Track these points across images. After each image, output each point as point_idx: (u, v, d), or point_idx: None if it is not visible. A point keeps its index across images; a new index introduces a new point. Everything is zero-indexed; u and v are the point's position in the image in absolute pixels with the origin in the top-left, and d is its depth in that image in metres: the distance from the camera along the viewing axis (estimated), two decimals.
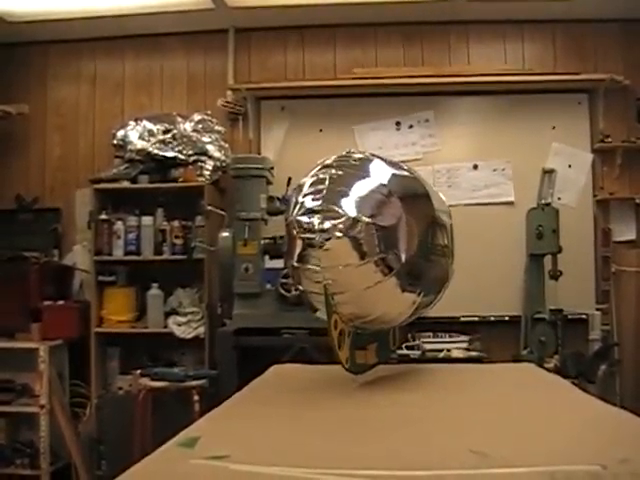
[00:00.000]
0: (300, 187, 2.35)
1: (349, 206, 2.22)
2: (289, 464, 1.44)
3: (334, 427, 1.79)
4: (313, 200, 2.26)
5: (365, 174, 2.32)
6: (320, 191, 2.26)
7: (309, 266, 2.27)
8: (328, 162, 2.38)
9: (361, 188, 2.27)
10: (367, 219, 2.21)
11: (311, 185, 2.31)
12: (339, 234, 2.20)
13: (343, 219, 2.20)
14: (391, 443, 1.67)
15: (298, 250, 2.28)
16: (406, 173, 2.50)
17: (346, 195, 2.24)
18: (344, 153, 2.43)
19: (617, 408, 2.04)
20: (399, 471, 1.40)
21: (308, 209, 2.26)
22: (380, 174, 2.34)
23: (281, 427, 1.83)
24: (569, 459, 1.44)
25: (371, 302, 2.35)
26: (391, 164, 2.45)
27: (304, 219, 2.25)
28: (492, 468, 1.39)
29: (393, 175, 2.37)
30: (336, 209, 2.22)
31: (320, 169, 2.35)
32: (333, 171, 2.31)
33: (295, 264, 2.32)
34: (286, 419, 1.89)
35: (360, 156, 2.43)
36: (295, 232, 2.27)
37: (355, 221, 2.20)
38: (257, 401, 2.20)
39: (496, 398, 2.19)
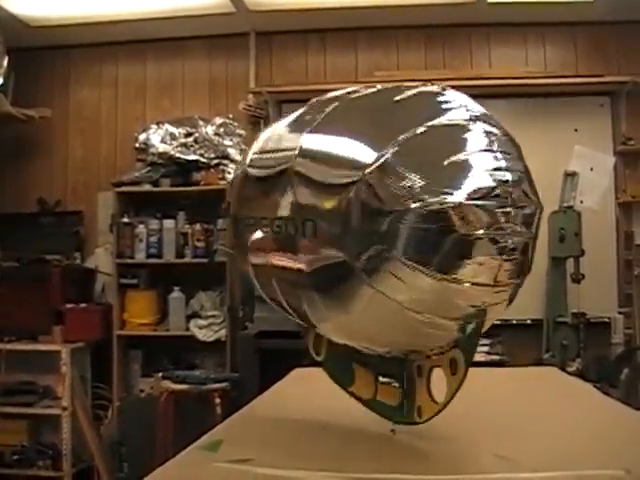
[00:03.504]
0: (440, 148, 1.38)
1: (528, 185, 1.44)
2: (313, 468, 1.44)
3: (356, 430, 1.79)
4: (498, 169, 1.37)
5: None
6: (505, 155, 1.41)
7: (471, 281, 1.36)
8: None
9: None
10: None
11: (474, 140, 1.40)
12: (530, 233, 1.43)
13: (533, 207, 1.43)
14: (414, 447, 1.66)
15: (449, 256, 1.33)
16: None
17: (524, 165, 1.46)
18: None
19: None
20: (423, 475, 1.40)
21: (489, 189, 1.34)
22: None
23: (304, 431, 1.83)
24: (593, 463, 1.43)
25: None
26: None
27: (490, 204, 1.33)
28: (516, 472, 1.39)
29: None
30: (526, 190, 1.41)
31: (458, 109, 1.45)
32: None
33: (444, 276, 1.33)
34: (309, 423, 1.89)
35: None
36: (460, 225, 1.30)
37: (539, 210, 1.45)
38: (279, 405, 2.20)
39: (519, 402, 2.18)
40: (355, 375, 1.83)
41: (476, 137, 1.40)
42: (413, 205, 1.30)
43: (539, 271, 5.91)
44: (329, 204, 1.44)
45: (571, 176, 5.92)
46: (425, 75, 6.08)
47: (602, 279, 5.93)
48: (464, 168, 1.34)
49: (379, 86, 1.62)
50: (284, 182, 1.57)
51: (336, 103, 1.61)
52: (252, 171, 1.79)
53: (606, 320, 5.80)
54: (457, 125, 1.41)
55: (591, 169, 6.03)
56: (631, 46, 6.17)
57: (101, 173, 6.53)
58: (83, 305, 5.94)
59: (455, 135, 1.40)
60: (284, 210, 1.57)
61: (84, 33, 6.34)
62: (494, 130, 1.45)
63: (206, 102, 6.51)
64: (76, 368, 5.64)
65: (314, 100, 1.75)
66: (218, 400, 4.94)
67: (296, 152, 1.54)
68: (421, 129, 1.37)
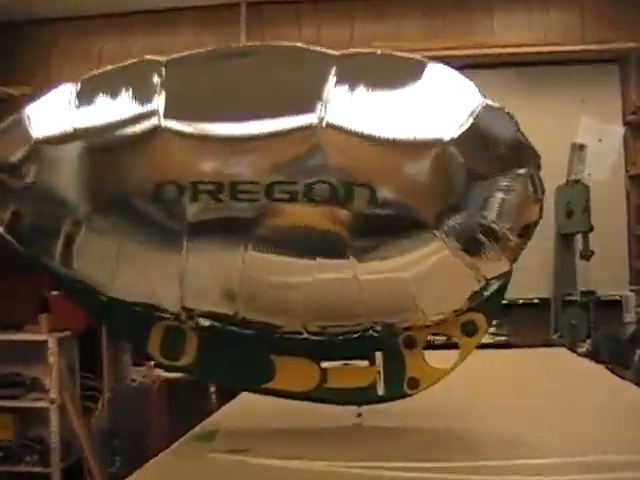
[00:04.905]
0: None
1: None
2: (311, 457, 1.44)
3: (355, 418, 1.79)
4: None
5: None
6: None
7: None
8: None
9: None
10: None
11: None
12: None
13: None
14: (419, 433, 1.67)
15: (527, 220, 1.55)
16: None
17: None
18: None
19: None
20: (428, 462, 1.40)
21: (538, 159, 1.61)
22: None
23: (302, 419, 1.83)
24: (605, 448, 1.43)
25: None
26: None
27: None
28: (525, 458, 1.39)
29: None
30: None
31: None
32: None
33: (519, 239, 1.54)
34: (307, 411, 1.89)
35: None
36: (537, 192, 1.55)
37: None
38: None
39: (527, 385, 2.19)
40: (276, 368, 1.74)
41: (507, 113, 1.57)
42: (506, 171, 1.49)
43: (546, 248, 5.89)
44: (398, 165, 1.49)
45: (579, 148, 5.90)
46: (425, 45, 6.06)
47: (612, 255, 5.92)
48: (516, 142, 1.55)
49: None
50: (305, 140, 1.52)
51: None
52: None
53: (617, 298, 5.81)
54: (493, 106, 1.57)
55: (599, 141, 6.01)
56: None
57: None
58: None
59: (497, 113, 1.56)
60: (309, 175, 1.50)
61: (67, 6, 6.31)
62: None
63: None
64: (64, 358, 5.63)
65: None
66: (213, 388, 4.94)
67: (325, 107, 1.51)
68: (480, 107, 1.53)
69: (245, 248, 1.52)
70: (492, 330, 5.64)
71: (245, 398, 2.13)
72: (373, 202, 1.45)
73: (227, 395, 2.25)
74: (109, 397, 5.81)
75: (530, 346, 4.68)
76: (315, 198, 1.47)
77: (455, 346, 1.68)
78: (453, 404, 1.69)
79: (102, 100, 1.65)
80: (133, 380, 5.92)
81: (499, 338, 5.63)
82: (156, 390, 5.03)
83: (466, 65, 6.04)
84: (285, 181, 1.50)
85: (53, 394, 5.51)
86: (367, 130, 1.48)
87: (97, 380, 6.00)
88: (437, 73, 1.59)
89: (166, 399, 5.03)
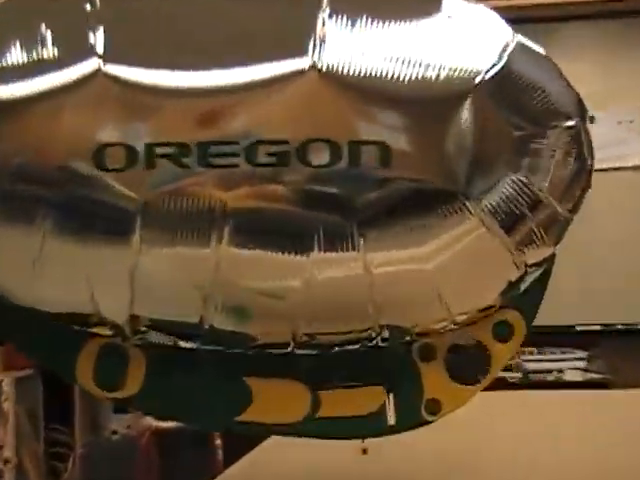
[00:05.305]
0: None
1: None
2: None
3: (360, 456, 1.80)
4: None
5: None
6: None
7: None
8: None
9: None
10: None
11: None
12: None
13: None
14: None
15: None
16: None
17: None
18: None
19: None
20: None
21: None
22: None
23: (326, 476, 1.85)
24: None
25: None
26: None
27: None
28: None
29: None
30: None
31: None
32: None
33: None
34: (337, 463, 1.91)
35: None
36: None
37: None
38: (292, 444, 2.22)
39: (627, 445, 2.18)
40: (252, 393, 1.66)
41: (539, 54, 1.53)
42: (548, 125, 1.43)
43: None
44: (414, 118, 1.43)
45: None
46: None
47: None
48: (559, 90, 1.48)
49: None
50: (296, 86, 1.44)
51: None
52: None
53: None
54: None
55: None
56: None
57: None
58: None
59: (533, 54, 1.52)
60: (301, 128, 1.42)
61: None
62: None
63: None
64: (23, 404, 5.66)
65: None
66: (219, 441, 4.96)
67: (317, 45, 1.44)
68: (512, 47, 1.47)
69: (219, 234, 1.41)
70: (582, 365, 5.65)
71: (260, 454, 2.15)
72: (386, 165, 1.43)
73: (237, 450, 2.27)
74: (82, 454, 5.84)
75: (633, 387, 4.68)
76: (312, 162, 1.39)
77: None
78: (508, 459, 1.69)
79: (11, 36, 1.51)
80: (114, 432, 5.94)
81: (591, 375, 5.61)
82: (144, 444, 5.05)
83: (547, 18, 6.05)
84: (272, 140, 1.41)
85: (8, 451, 5.53)
86: (373, 75, 1.41)
87: (67, 432, 6.03)
88: (458, 4, 1.53)
89: (158, 456, 5.05)
